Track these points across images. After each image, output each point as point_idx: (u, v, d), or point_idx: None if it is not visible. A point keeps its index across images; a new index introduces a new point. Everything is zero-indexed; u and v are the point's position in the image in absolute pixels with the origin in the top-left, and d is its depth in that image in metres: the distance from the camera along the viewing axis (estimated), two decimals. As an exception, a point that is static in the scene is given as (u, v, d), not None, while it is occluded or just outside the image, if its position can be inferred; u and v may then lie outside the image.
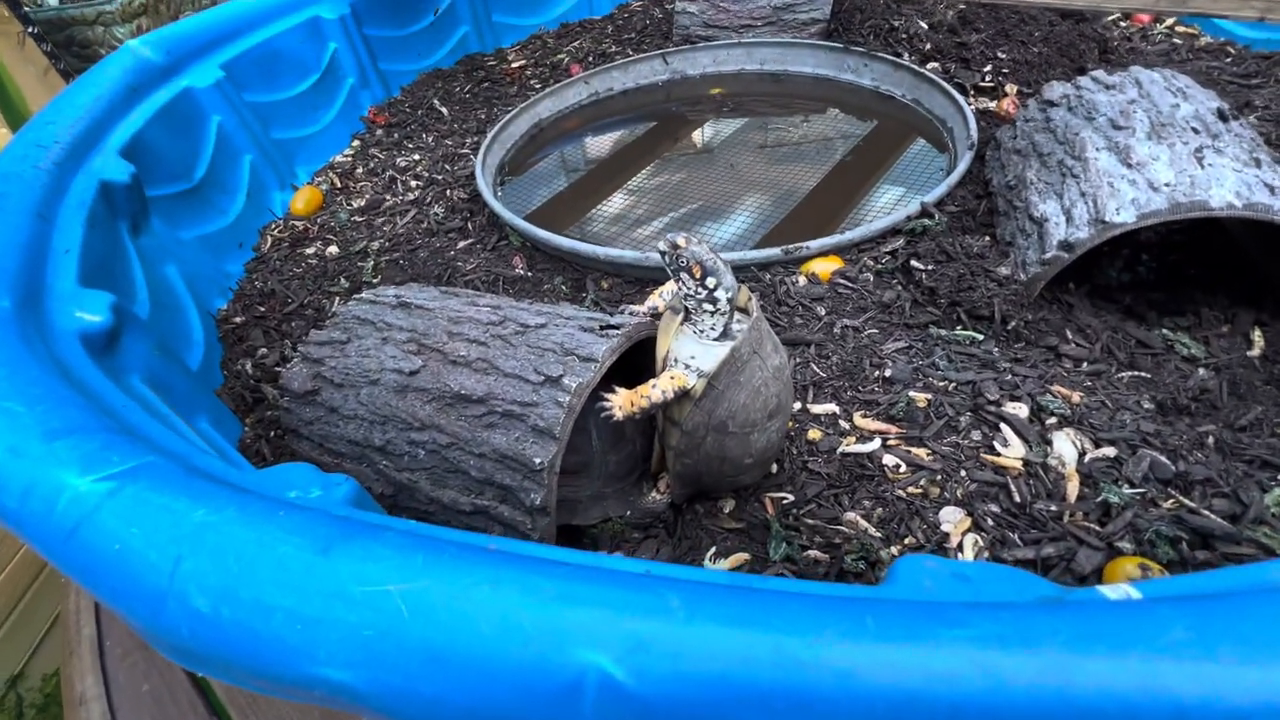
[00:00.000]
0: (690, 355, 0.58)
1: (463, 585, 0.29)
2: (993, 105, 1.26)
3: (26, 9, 1.61)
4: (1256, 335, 0.80)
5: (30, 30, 1.59)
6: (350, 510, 0.40)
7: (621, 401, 0.59)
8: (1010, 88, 1.28)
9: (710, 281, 0.54)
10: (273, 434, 0.84)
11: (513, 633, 0.28)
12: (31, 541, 0.36)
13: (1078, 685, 0.24)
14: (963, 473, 0.67)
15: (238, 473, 0.44)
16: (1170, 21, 1.39)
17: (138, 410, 0.51)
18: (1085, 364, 0.78)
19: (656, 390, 0.57)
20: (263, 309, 1.07)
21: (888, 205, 1.12)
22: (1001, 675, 0.24)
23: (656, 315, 0.67)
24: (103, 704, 0.68)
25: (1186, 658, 0.24)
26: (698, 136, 1.47)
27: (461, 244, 1.17)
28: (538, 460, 0.57)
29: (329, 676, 0.29)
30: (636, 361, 0.72)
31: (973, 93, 1.30)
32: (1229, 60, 1.27)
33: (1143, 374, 0.77)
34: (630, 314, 0.68)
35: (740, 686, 0.26)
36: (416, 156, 1.48)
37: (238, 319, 1.05)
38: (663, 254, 0.55)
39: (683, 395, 0.58)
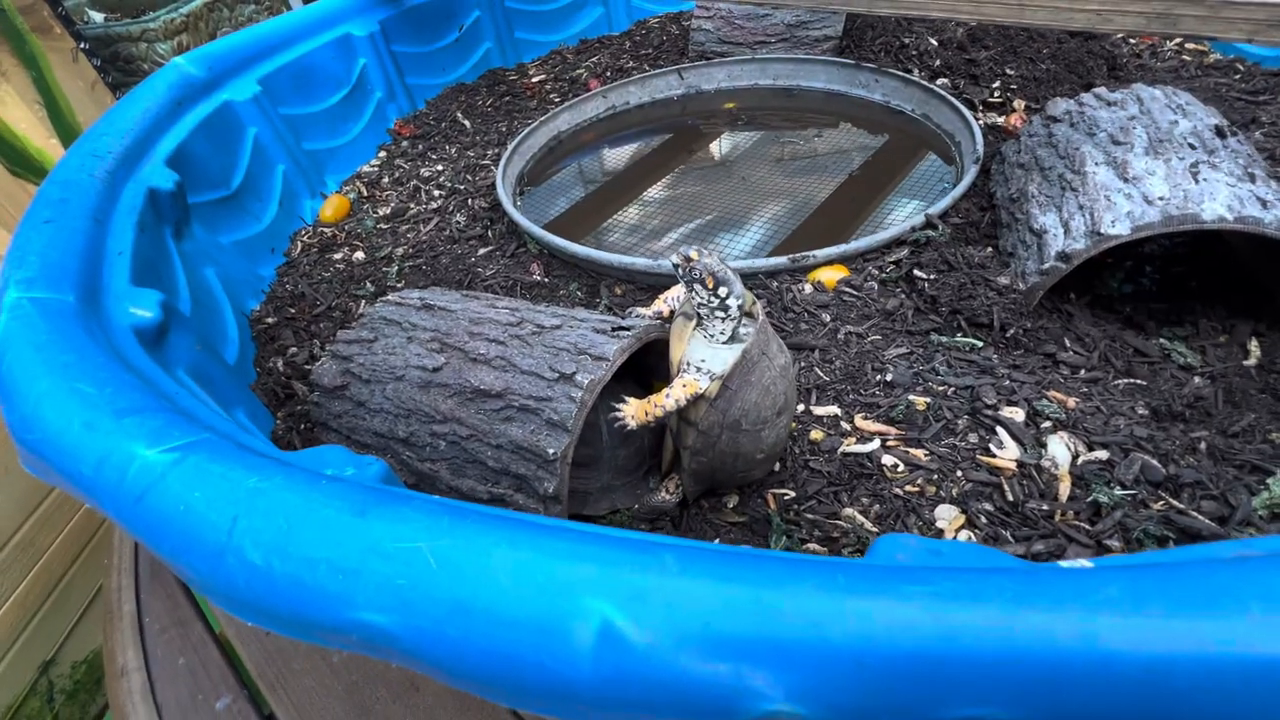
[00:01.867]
0: (701, 359, 0.61)
1: (484, 543, 0.33)
2: (1001, 120, 1.29)
3: (78, 27, 1.71)
4: (1253, 345, 0.82)
5: (82, 46, 1.69)
6: (380, 486, 0.45)
7: (634, 411, 0.63)
8: (1018, 103, 1.31)
9: (723, 291, 0.58)
10: (302, 427, 0.89)
11: (527, 584, 0.32)
12: (104, 506, 0.41)
13: (1019, 634, 0.27)
14: (959, 473, 0.70)
15: (279, 452, 0.49)
16: (1179, 39, 1.42)
17: (187, 396, 0.57)
18: (1082, 371, 0.81)
19: (670, 399, 0.61)
20: (293, 310, 1.13)
21: (896, 217, 1.15)
22: (952, 624, 0.28)
23: (661, 318, 0.71)
24: (143, 675, 0.73)
25: (1117, 612, 0.27)
26: (712, 149, 1.52)
27: (482, 251, 1.23)
28: (551, 451, 0.61)
29: (365, 620, 0.33)
30: (645, 361, 0.76)
31: (981, 108, 1.34)
32: (1238, 77, 1.29)
33: (1139, 381, 0.79)
34: (638, 316, 0.72)
35: (725, 632, 0.30)
36: (440, 167, 1.54)
37: (270, 319, 1.11)
38: (676, 266, 0.59)
39: (697, 398, 0.62)
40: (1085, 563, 0.34)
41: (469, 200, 1.40)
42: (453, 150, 1.61)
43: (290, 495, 0.37)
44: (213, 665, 0.74)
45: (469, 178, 1.48)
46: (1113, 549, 0.62)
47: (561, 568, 0.32)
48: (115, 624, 0.78)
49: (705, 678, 0.29)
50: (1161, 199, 0.77)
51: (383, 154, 1.63)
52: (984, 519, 0.66)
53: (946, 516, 0.67)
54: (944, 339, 0.86)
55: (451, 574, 0.33)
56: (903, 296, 0.93)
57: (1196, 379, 0.79)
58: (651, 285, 1.06)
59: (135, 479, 0.40)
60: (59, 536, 1.57)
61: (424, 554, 0.33)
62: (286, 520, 0.36)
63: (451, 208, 1.38)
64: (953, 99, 1.30)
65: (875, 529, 0.67)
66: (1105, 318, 0.90)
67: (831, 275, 0.98)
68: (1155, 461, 0.68)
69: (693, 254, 0.58)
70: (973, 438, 0.74)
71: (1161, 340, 0.85)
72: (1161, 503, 0.65)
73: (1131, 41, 1.44)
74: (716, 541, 0.69)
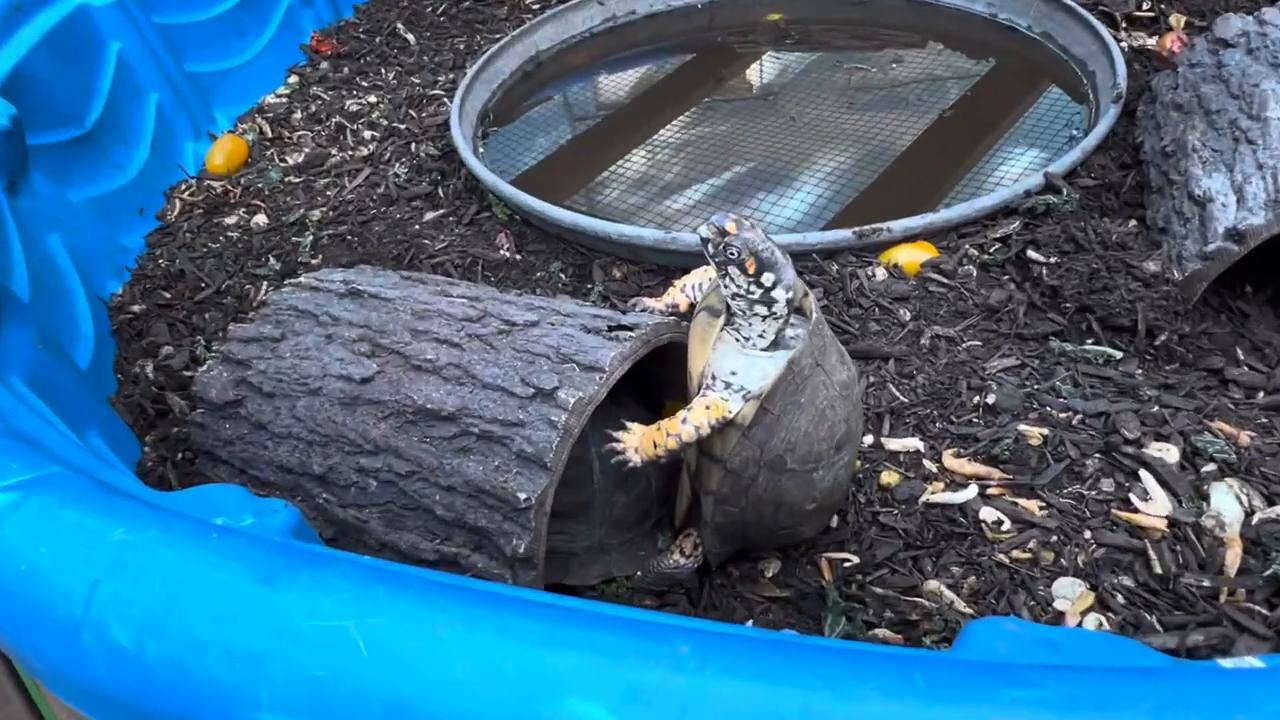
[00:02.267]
0: (732, 371, 0.61)
1: (433, 623, 0.34)
2: (1151, 43, 1.31)
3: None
4: None
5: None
6: (291, 541, 0.46)
7: (639, 443, 0.63)
8: (1176, 19, 1.32)
9: (767, 278, 0.58)
10: (180, 456, 0.91)
11: (491, 678, 0.33)
12: (-85, 562, 0.42)
13: (1161, 758, 0.28)
14: (1086, 534, 0.71)
15: (152, 492, 0.50)
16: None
17: (27, 414, 0.58)
18: (1260, 394, 0.82)
19: (688, 426, 0.61)
20: (168, 295, 1.15)
21: (1004, 176, 1.16)
22: (1070, 742, 0.29)
23: (676, 313, 0.72)
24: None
25: (1294, 729, 0.28)
26: (750, 78, 1.53)
27: (429, 215, 1.24)
28: (523, 496, 0.62)
29: (271, 725, 0.34)
30: (654, 372, 0.77)
31: (1124, 25, 1.35)
32: None
33: (1339, 410, 0.80)
34: (644, 310, 0.73)
35: (759, 749, 0.30)
36: (373, 98, 1.56)
37: (136, 307, 1.13)
38: (705, 241, 0.59)
39: (725, 425, 0.62)
40: (1256, 662, 0.34)
41: (412, 145, 1.41)
42: (391, 75, 1.63)
43: (171, 553, 0.39)
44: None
45: (413, 114, 1.50)
46: (1299, 642, 0.63)
47: (537, 656, 0.33)
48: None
49: (732, 812, 0.30)
50: (1372, 157, 0.78)
51: (294, 79, 1.65)
52: (1121, 598, 0.67)
53: (1069, 594, 0.68)
54: (1068, 347, 0.87)
55: (388, 664, 0.34)
56: (1012, 287, 0.94)
57: None
58: (664, 265, 1.07)
59: (-41, 528, 0.41)
60: None
61: (351, 636, 0.34)
62: (165, 587, 0.37)
63: (388, 155, 1.40)
64: (1085, 12, 1.31)
65: (969, 610, 0.68)
66: (1294, 320, 0.91)
67: (913, 256, 0.99)
68: (1360, 522, 0.69)
69: (729, 225, 0.58)
70: (1107, 485, 0.74)
71: (1372, 353, 0.86)
72: (1369, 579, 0.66)
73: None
74: (749, 624, 0.70)
